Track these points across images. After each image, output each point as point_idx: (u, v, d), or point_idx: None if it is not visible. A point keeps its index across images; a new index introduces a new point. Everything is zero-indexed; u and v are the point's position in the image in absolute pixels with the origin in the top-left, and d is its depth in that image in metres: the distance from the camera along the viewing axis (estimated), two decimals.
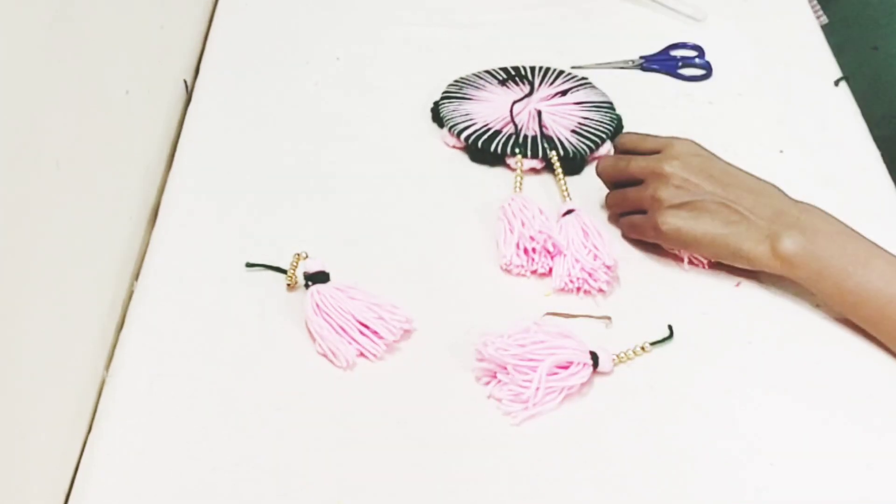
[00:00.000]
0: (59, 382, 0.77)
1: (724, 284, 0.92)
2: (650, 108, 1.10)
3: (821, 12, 1.24)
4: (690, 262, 0.92)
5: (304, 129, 1.06)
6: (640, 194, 0.92)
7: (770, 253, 0.87)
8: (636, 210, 0.93)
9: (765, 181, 0.91)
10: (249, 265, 0.91)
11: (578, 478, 0.78)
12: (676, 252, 0.93)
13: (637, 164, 0.93)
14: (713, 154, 0.92)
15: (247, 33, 1.18)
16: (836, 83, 1.13)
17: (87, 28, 0.83)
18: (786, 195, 0.90)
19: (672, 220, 0.89)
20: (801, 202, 0.89)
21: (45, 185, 0.74)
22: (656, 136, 0.96)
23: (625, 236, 0.95)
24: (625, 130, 1.06)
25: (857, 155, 1.06)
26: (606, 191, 0.98)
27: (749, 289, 0.91)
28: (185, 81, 1.11)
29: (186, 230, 0.95)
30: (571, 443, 0.80)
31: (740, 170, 0.92)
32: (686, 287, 0.92)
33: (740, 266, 0.90)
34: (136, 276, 0.91)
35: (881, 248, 0.87)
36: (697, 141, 0.93)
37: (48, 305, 0.75)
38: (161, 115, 1.04)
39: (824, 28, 1.23)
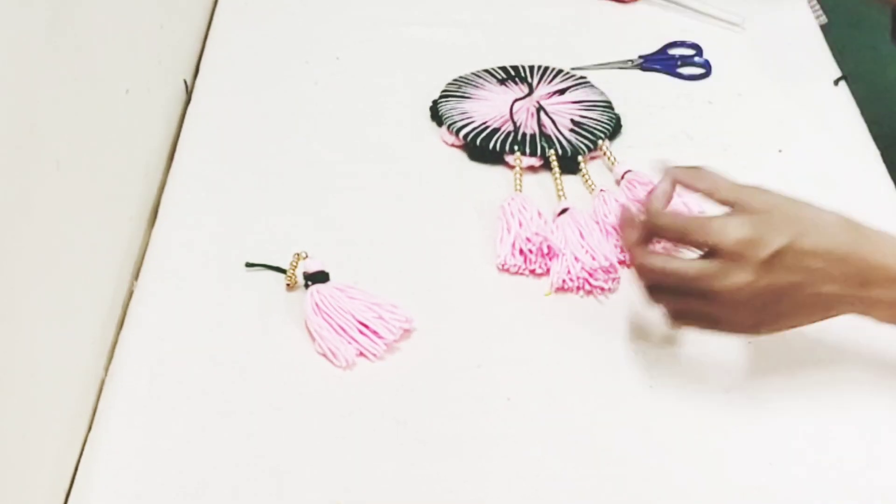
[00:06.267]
0: (59, 382, 0.77)
1: None
2: (650, 107, 1.10)
3: (821, 12, 1.24)
4: None
5: (304, 128, 1.06)
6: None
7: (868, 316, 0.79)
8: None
9: (843, 231, 0.78)
10: (249, 265, 0.91)
11: (578, 478, 0.78)
12: None
13: (732, 242, 0.74)
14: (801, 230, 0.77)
15: (247, 33, 1.18)
16: (836, 83, 1.13)
17: (87, 28, 0.83)
18: (862, 239, 0.78)
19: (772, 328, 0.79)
20: (874, 248, 0.77)
21: (45, 185, 0.74)
22: (736, 186, 0.78)
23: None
24: (623, 130, 1.06)
25: (857, 155, 1.06)
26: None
27: None
28: (185, 81, 1.10)
29: (186, 230, 0.95)
30: (571, 443, 0.80)
31: (824, 231, 0.78)
32: None
33: None
34: (136, 276, 0.91)
35: None
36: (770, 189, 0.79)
37: (48, 305, 0.75)
38: (161, 115, 1.04)
39: (824, 28, 1.23)
